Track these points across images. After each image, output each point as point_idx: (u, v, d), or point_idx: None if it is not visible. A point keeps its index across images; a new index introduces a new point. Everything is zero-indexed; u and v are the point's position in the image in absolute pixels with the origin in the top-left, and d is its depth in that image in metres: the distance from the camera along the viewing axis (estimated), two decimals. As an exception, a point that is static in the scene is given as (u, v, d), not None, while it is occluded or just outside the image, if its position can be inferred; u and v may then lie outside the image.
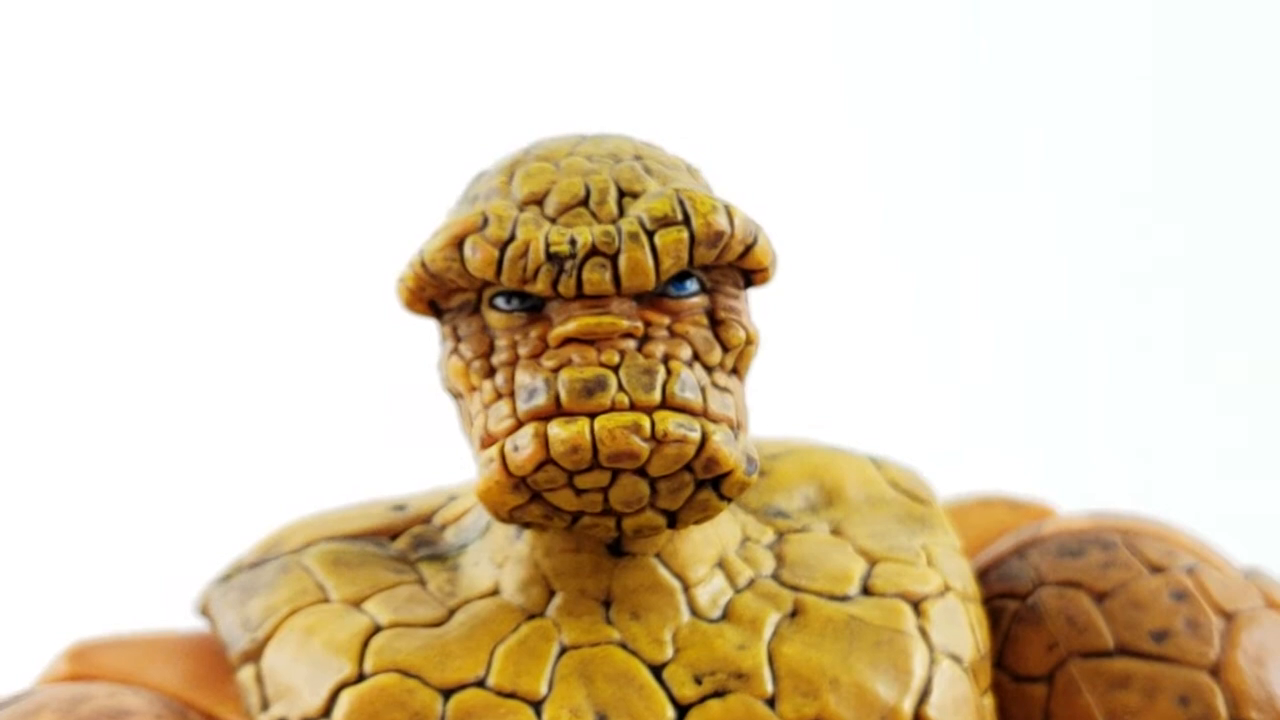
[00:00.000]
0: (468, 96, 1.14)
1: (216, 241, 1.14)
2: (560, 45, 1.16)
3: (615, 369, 0.57)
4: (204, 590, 0.66)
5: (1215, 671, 0.64)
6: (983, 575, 0.67)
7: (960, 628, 0.63)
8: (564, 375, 0.57)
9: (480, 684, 0.60)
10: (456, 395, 0.60)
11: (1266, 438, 1.09)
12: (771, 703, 0.60)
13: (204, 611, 0.65)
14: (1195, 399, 1.11)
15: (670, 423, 0.57)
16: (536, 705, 0.59)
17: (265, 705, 0.61)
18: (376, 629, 0.61)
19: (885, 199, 1.16)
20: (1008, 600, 0.66)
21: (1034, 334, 1.15)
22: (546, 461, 0.57)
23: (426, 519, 0.65)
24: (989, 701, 0.64)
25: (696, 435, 0.57)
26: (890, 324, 1.13)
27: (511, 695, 0.59)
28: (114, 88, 1.17)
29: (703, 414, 0.57)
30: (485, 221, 0.58)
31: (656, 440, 0.57)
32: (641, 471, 0.57)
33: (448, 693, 0.60)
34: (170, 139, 1.15)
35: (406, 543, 0.65)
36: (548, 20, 1.16)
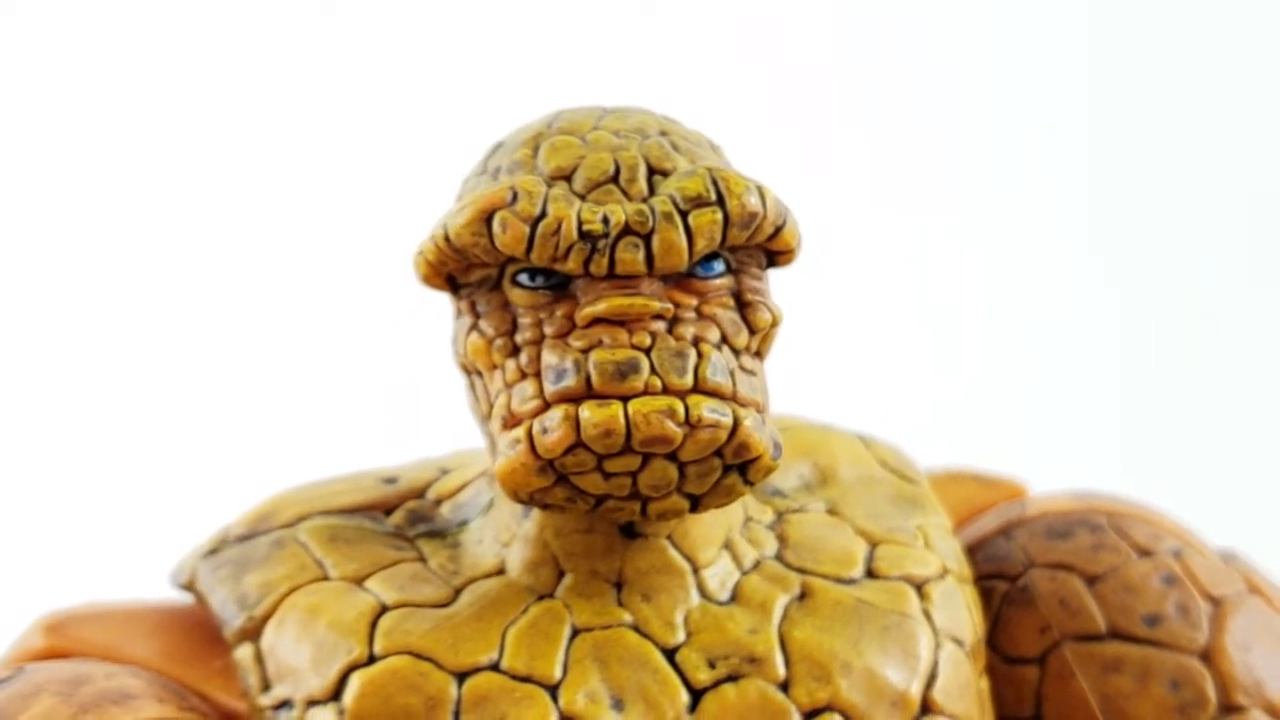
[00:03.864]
0: (452, 80, 1.12)
1: (189, 215, 1.12)
2: (558, 32, 1.14)
3: (647, 351, 0.56)
4: (187, 563, 0.64)
5: (1205, 656, 0.64)
6: (969, 555, 0.67)
7: (960, 609, 0.63)
8: (595, 357, 0.56)
9: (494, 667, 0.58)
10: (473, 372, 0.59)
11: (1258, 426, 1.10)
12: (785, 687, 0.59)
13: (189, 586, 0.63)
14: (1190, 387, 1.12)
15: (704, 408, 0.56)
16: (552, 689, 0.58)
17: (266, 686, 0.60)
18: (383, 609, 0.60)
19: (879, 178, 1.15)
20: (997, 581, 0.66)
21: (1024, 317, 1.15)
22: (577, 444, 0.56)
23: (420, 493, 0.64)
24: (985, 684, 0.64)
25: (729, 420, 0.56)
26: (879, 300, 1.13)
27: (526, 679, 0.58)
28: (110, 65, 1.13)
29: (732, 398, 0.57)
30: (514, 196, 0.57)
31: (690, 425, 0.56)
32: (672, 456, 0.56)
33: (461, 676, 0.58)
34: (159, 119, 1.13)
35: (402, 518, 0.63)
36: (549, 6, 1.14)
